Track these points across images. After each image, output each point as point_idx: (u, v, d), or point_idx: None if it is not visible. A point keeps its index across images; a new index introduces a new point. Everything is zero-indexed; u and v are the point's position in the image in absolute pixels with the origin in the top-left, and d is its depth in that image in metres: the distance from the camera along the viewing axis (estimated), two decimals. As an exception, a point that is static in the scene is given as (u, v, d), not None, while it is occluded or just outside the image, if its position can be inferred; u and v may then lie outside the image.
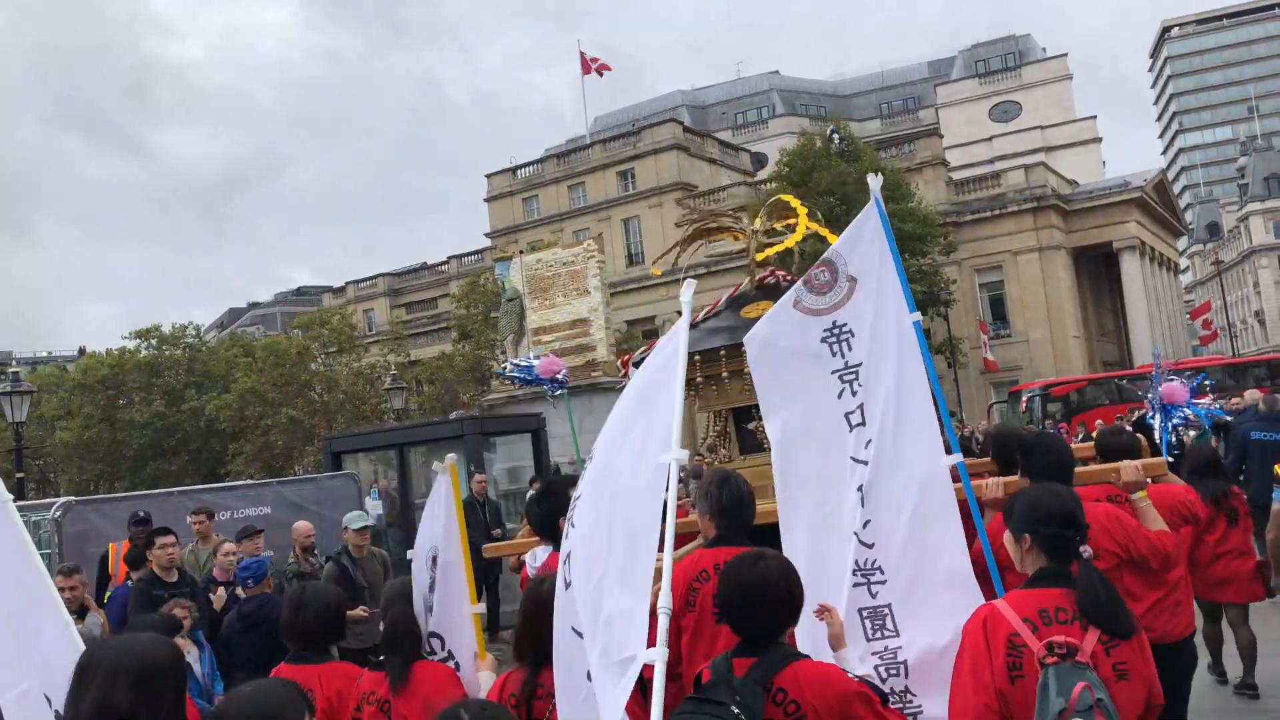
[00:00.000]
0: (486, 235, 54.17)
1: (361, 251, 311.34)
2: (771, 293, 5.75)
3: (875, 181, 3.77)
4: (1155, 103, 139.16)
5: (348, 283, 61.77)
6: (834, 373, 3.49)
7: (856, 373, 3.47)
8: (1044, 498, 2.95)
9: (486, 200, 54.02)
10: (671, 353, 2.82)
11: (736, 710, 2.43)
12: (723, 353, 5.56)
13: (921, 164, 42.78)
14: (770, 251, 6.24)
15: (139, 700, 2.09)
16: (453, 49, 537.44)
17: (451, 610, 3.67)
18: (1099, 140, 66.88)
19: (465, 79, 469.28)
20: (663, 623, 2.42)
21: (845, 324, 3.50)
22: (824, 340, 3.50)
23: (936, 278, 34.64)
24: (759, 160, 58.57)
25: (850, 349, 3.47)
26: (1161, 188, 52.66)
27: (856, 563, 3.40)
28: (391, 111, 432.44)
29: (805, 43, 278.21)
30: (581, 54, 49.62)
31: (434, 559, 3.70)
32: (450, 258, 57.83)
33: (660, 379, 2.77)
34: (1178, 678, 4.30)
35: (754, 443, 5.77)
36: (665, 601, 2.44)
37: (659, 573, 2.51)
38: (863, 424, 3.45)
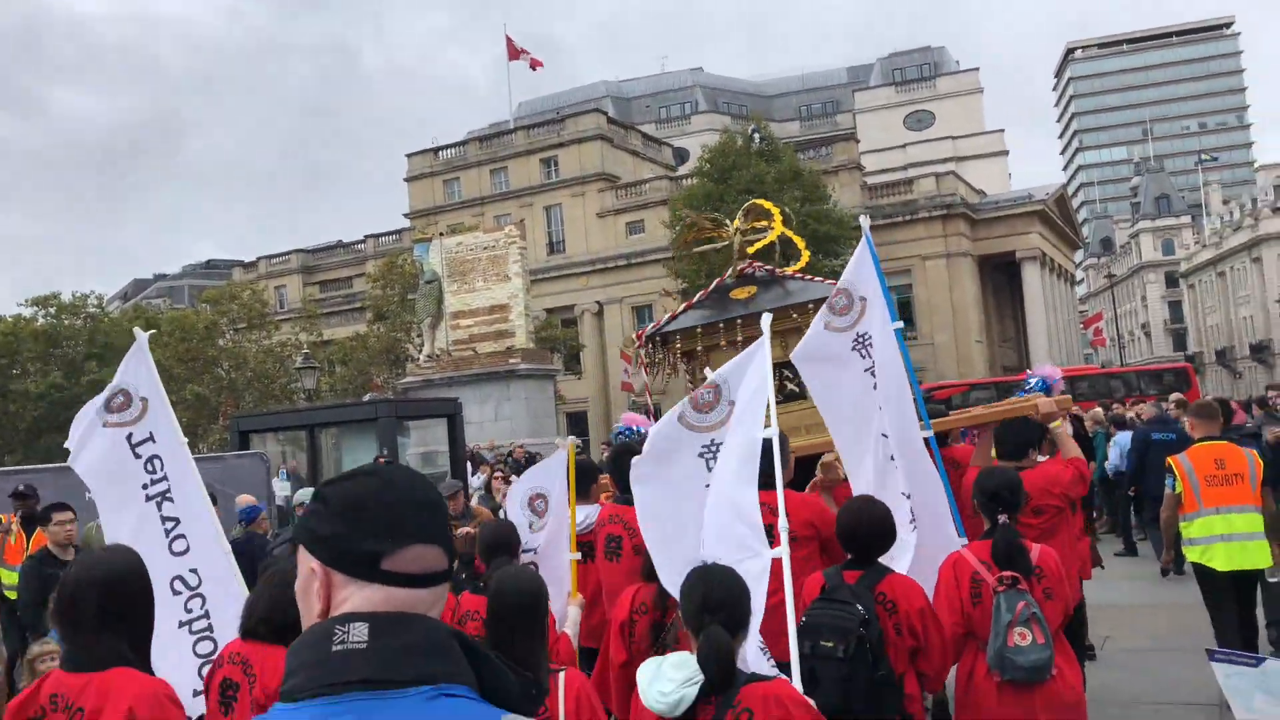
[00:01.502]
0: (406, 216, 53.51)
1: (270, 225, 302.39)
2: (751, 280, 6.97)
3: (865, 221, 5.05)
4: (1058, 120, 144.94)
5: (259, 258, 60.25)
6: (865, 370, 4.56)
7: (873, 371, 4.54)
8: (982, 478, 4.24)
9: (406, 180, 53.35)
10: (762, 357, 3.88)
11: (859, 607, 3.54)
12: (721, 326, 6.75)
13: (838, 167, 43.92)
14: (759, 245, 7.32)
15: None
16: (368, 17, 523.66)
17: (555, 555, 4.59)
18: (1006, 153, 69.53)
19: (380, 51, 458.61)
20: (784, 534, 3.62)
21: (866, 333, 4.58)
22: (854, 349, 4.56)
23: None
24: (681, 155, 59.20)
25: (871, 353, 4.56)
26: (1062, 202, 55.10)
27: (909, 512, 4.47)
28: (302, 79, 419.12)
29: (728, 39, 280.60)
30: (508, 39, 49.34)
31: (530, 501, 4.71)
32: (367, 236, 56.92)
33: (756, 377, 3.84)
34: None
35: None
36: (783, 523, 3.65)
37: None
38: (881, 409, 4.51)
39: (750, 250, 7.24)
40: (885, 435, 4.47)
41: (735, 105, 76.00)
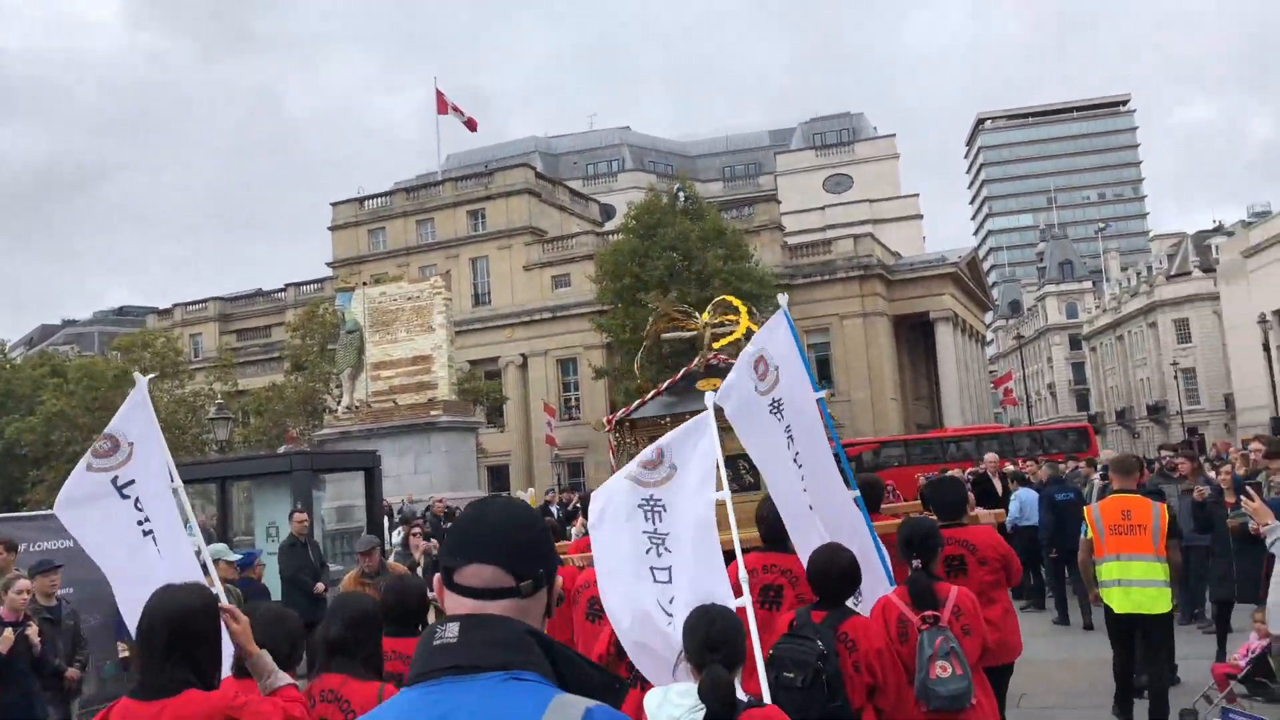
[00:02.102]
0: (329, 265, 52.96)
1: (188, 271, 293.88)
2: (716, 371, 7.45)
3: (784, 299, 5.60)
4: (970, 187, 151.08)
5: (175, 305, 58.81)
6: (784, 432, 4.91)
7: (790, 431, 4.90)
8: (900, 528, 4.78)
9: (331, 229, 52.92)
10: (707, 435, 4.40)
11: (819, 643, 3.88)
12: (687, 415, 7.11)
13: (759, 227, 45.07)
14: (725, 341, 7.79)
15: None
16: (294, 61, 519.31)
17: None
18: (921, 217, 72.20)
19: (306, 96, 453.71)
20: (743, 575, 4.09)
21: (780, 399, 4.92)
22: (770, 413, 4.86)
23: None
24: (607, 212, 60.04)
25: (784, 416, 4.90)
26: (973, 265, 57.30)
27: None
28: (224, 123, 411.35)
29: (655, 100, 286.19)
30: (438, 92, 49.71)
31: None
32: (288, 285, 56.10)
33: (701, 453, 4.35)
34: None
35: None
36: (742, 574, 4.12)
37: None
38: (800, 465, 4.86)
39: (717, 345, 7.73)
40: (804, 489, 4.87)
41: (661, 164, 77.55)
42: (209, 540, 14.56)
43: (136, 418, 4.24)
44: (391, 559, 10.83)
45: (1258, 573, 7.32)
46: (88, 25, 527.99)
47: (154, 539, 4.10)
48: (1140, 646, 7.04)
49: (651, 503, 4.30)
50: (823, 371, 44.45)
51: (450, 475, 22.17)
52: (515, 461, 46.07)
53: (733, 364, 7.14)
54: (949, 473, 13.37)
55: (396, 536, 14.15)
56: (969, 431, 36.86)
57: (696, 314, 8.15)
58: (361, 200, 52.82)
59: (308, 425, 35.63)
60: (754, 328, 7.60)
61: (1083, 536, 7.13)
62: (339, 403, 24.90)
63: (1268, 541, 6.17)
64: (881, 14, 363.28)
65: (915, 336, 51.66)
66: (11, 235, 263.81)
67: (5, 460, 39.50)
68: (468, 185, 51.18)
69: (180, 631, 2.86)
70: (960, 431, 37.18)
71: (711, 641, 3.10)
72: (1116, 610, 6.75)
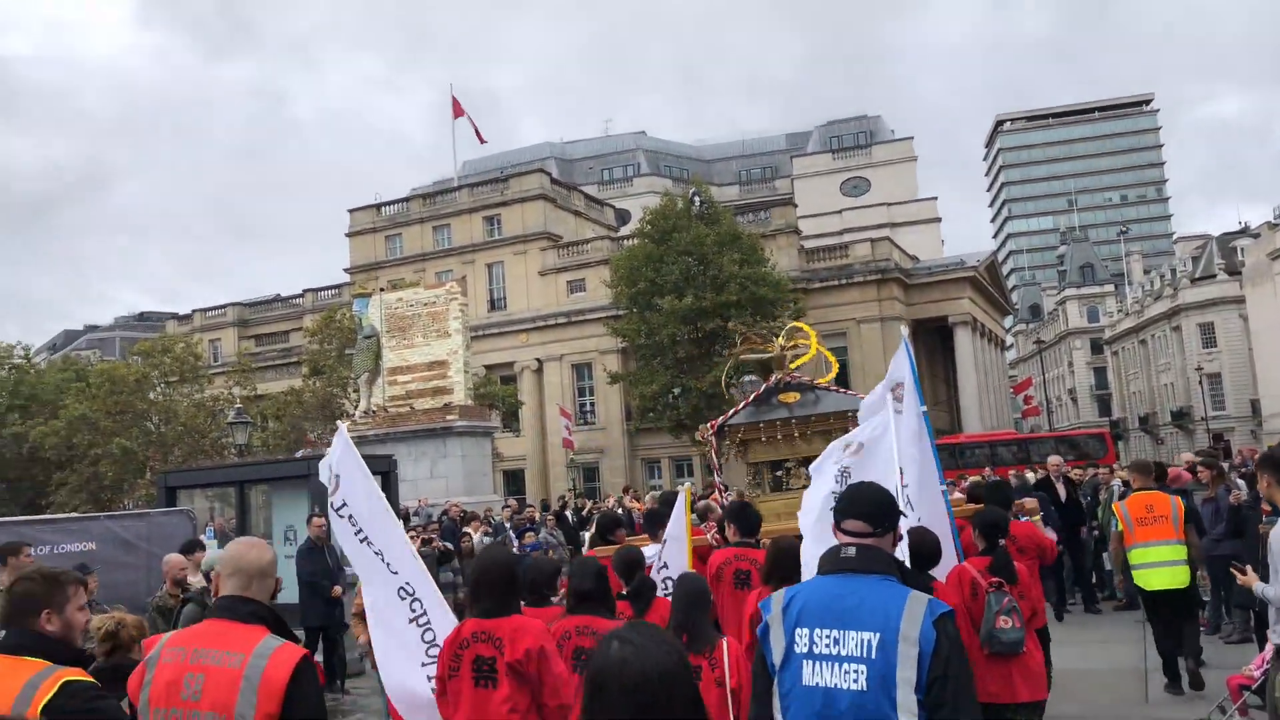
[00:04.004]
0: (346, 270, 53.29)
1: (203, 275, 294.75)
2: (792, 387, 9.21)
3: (906, 330, 6.81)
4: (989, 189, 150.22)
5: (194, 310, 59.38)
6: (894, 438, 5.91)
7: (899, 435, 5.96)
8: (984, 514, 6.30)
9: (348, 235, 53.25)
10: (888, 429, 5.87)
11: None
12: (762, 425, 8.98)
13: (776, 231, 44.96)
14: (799, 361, 9.48)
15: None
16: (298, 59, 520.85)
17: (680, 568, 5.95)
18: (939, 220, 71.74)
19: (312, 97, 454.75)
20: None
21: (900, 411, 6.10)
22: (890, 424, 6.03)
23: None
24: (623, 217, 60.04)
25: (900, 427, 5.98)
26: (992, 268, 56.91)
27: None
28: (231, 124, 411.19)
29: (667, 97, 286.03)
30: (454, 99, 49.99)
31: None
32: (305, 290, 56.48)
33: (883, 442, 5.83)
34: None
35: (779, 485, 9.09)
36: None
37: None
38: (902, 467, 5.74)
39: (794, 365, 9.45)
40: (906, 485, 5.72)
41: (677, 168, 77.50)
42: (222, 545, 14.70)
43: (337, 454, 5.43)
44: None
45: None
46: (96, 26, 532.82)
47: (369, 543, 5.17)
48: (1174, 623, 8.29)
49: (843, 472, 5.81)
50: (840, 376, 44.20)
51: (466, 480, 22.18)
52: (531, 466, 46.12)
53: (804, 379, 9.42)
54: (994, 478, 16.29)
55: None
56: (983, 438, 36.59)
57: (773, 337, 9.77)
58: (379, 207, 53.12)
59: (325, 430, 35.79)
60: (824, 351, 9.77)
61: (1113, 530, 8.64)
62: (356, 407, 24.99)
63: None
64: (899, 8, 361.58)
65: (933, 341, 51.37)
66: (23, 242, 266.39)
67: (29, 463, 39.86)
68: (483, 191, 51.35)
69: (511, 578, 4.32)
70: (974, 438, 36.91)
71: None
72: (1150, 589, 8.07)
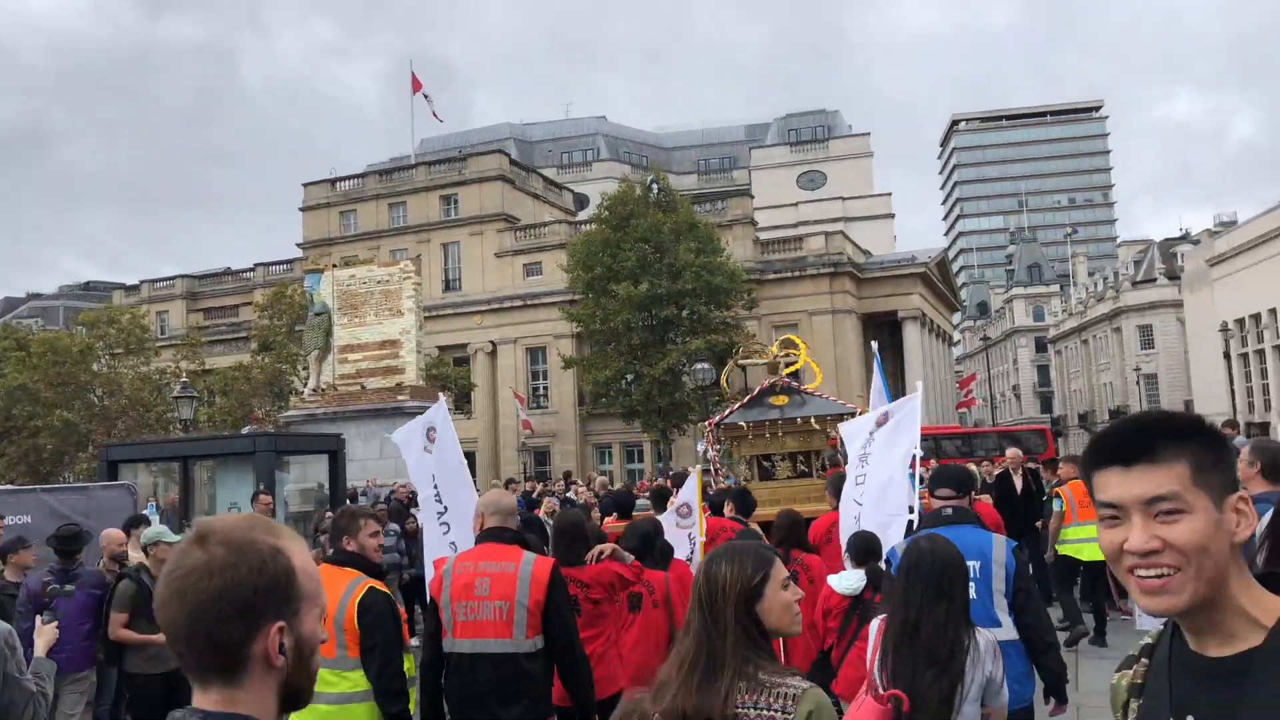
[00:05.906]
0: (299, 245, 52.59)
1: (142, 242, 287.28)
2: (784, 390, 10.81)
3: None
4: (942, 187, 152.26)
5: (142, 281, 58.17)
6: (862, 451, 7.23)
7: (868, 449, 7.16)
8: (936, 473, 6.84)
9: (302, 210, 52.53)
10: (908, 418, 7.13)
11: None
12: (753, 424, 10.47)
13: (732, 221, 45.28)
14: (791, 369, 11.10)
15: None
16: (244, 18, 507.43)
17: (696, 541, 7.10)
18: (892, 216, 72.66)
19: (261, 61, 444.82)
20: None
21: (875, 434, 7.18)
22: (869, 440, 7.21)
23: (738, 331, 36.67)
24: (581, 201, 59.94)
25: (872, 444, 7.11)
26: (943, 265, 57.86)
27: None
28: (177, 86, 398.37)
29: (629, 80, 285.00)
30: (413, 74, 49.52)
31: (678, 509, 7.28)
32: (257, 265, 55.60)
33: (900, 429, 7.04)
34: None
35: (768, 474, 10.60)
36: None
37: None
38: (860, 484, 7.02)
39: (786, 372, 11.00)
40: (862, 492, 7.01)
41: (636, 155, 77.51)
42: (168, 522, 14.60)
43: (441, 421, 6.72)
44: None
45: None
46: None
47: (439, 500, 6.54)
48: (1099, 584, 10.07)
49: (865, 451, 7.03)
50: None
51: (415, 460, 22.16)
52: (482, 449, 46.05)
53: (794, 384, 11.09)
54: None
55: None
56: (928, 431, 37.29)
57: (769, 347, 11.62)
58: (334, 182, 52.47)
59: (273, 406, 35.44)
60: (810, 361, 11.54)
61: (1054, 510, 10.24)
62: (305, 385, 24.80)
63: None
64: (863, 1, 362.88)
65: (883, 335, 52.03)
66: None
67: (-37, 434, 38.93)
68: (441, 170, 50.96)
69: (578, 527, 5.52)
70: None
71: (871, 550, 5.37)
72: (1085, 559, 9.76)
